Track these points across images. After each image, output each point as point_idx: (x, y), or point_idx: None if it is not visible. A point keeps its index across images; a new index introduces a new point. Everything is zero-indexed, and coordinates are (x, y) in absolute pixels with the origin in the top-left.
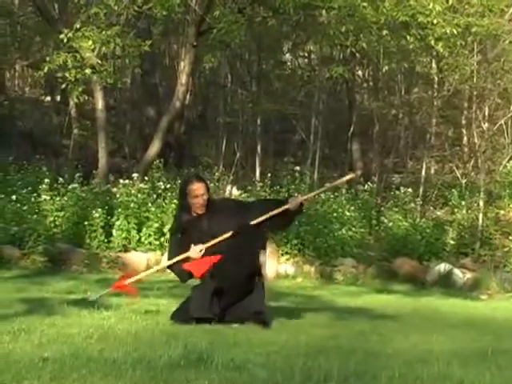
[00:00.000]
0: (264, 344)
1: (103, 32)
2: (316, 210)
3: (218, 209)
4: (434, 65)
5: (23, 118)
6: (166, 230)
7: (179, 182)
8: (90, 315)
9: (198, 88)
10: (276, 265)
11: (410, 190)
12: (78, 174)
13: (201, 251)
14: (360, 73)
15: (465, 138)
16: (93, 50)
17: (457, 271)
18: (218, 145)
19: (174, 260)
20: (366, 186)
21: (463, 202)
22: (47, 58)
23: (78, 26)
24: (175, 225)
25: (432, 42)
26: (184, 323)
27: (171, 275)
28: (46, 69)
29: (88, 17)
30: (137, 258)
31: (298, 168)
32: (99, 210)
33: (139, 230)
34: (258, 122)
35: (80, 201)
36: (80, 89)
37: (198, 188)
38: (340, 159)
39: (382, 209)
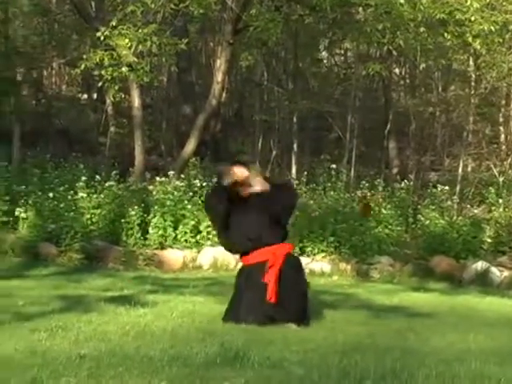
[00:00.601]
0: (300, 342)
1: (140, 30)
2: (352, 208)
3: None
4: (471, 62)
5: (60, 115)
6: (202, 227)
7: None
8: (127, 312)
9: (234, 86)
10: None
11: (446, 187)
12: (114, 172)
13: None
14: (397, 70)
15: (502, 136)
16: (129, 48)
17: (494, 269)
18: (253, 142)
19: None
20: (403, 184)
21: (500, 200)
22: (84, 56)
23: (115, 24)
24: None
25: (469, 40)
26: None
27: (207, 273)
28: (82, 67)
29: (125, 15)
30: (173, 256)
31: (334, 166)
32: (135, 207)
33: (175, 228)
34: (294, 119)
35: (116, 198)
36: (116, 87)
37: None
38: (376, 157)
39: (419, 207)
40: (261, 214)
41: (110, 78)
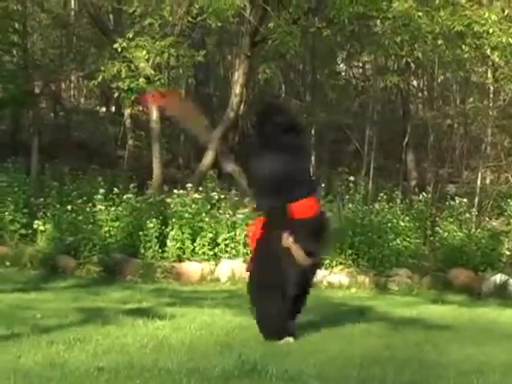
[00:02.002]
0: (318, 354)
1: (157, 42)
2: (370, 221)
3: None
4: (489, 74)
5: (79, 128)
6: (219, 240)
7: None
8: (145, 325)
9: (252, 98)
10: None
11: (465, 200)
12: (132, 185)
13: None
14: (415, 82)
15: None
16: (147, 60)
17: None
18: None
19: None
20: (421, 196)
21: None
22: (102, 68)
23: (132, 36)
24: None
25: (488, 52)
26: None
27: (225, 286)
28: (100, 78)
29: (142, 27)
30: (191, 268)
31: (352, 178)
32: (153, 220)
33: (193, 240)
34: (312, 132)
35: (134, 211)
36: (133, 97)
37: None
38: (395, 169)
39: (437, 219)
40: None
41: (126, 88)
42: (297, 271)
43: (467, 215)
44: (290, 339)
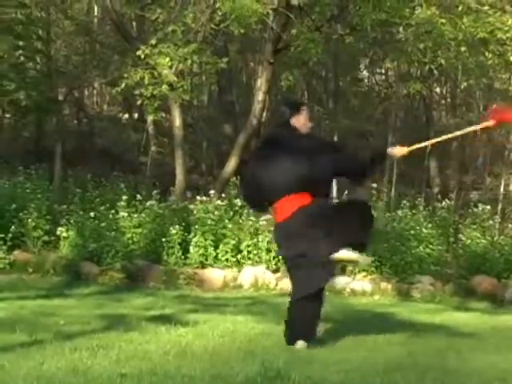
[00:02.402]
0: (341, 362)
1: (180, 49)
2: (393, 228)
3: None
4: None
5: (102, 135)
6: (242, 247)
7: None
8: (168, 332)
9: (275, 105)
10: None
11: (488, 207)
12: (155, 191)
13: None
14: (438, 89)
15: None
16: (170, 67)
17: None
18: None
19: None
20: (444, 203)
21: None
22: (125, 75)
23: (155, 43)
24: None
25: (511, 58)
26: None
27: (247, 293)
28: (123, 85)
29: (165, 34)
30: (214, 275)
31: (374, 185)
32: (176, 226)
33: (216, 247)
34: (335, 138)
35: (157, 217)
36: (156, 104)
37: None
38: (418, 176)
39: (460, 226)
40: None
41: (149, 95)
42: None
43: (490, 222)
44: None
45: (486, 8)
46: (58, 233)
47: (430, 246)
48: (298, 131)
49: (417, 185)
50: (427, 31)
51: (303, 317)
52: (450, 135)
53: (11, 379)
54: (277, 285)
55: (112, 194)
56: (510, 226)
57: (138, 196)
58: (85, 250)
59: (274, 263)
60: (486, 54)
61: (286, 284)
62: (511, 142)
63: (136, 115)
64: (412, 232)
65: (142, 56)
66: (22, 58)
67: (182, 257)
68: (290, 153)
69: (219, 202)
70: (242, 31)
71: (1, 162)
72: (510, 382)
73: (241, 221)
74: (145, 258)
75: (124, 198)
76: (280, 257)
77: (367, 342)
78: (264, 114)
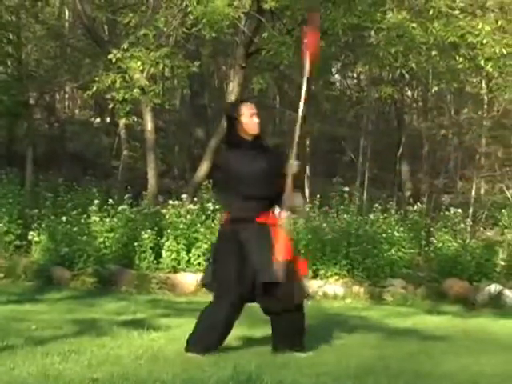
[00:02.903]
0: (313, 365)
1: (152, 53)
2: (365, 231)
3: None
4: (483, 85)
5: (73, 139)
6: None
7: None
8: (140, 336)
9: None
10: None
11: (459, 210)
12: (127, 196)
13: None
14: (409, 93)
15: None
16: (142, 71)
17: (507, 292)
18: None
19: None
20: (416, 207)
21: None
22: (96, 79)
23: (126, 47)
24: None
25: (481, 63)
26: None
27: None
28: (94, 89)
29: (137, 38)
30: (186, 279)
31: (346, 189)
32: (148, 231)
33: (188, 251)
34: (307, 142)
35: (129, 222)
36: (127, 108)
37: (252, 107)
38: (389, 180)
39: (432, 229)
40: None
41: (121, 99)
42: None
43: (462, 225)
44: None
45: (457, 12)
46: (30, 237)
47: (402, 250)
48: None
49: (388, 188)
50: (398, 35)
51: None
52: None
53: None
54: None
55: (84, 198)
56: (481, 229)
57: (110, 200)
58: (56, 254)
59: None
60: (457, 57)
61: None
62: (482, 145)
63: (108, 119)
64: (384, 235)
65: (114, 60)
66: None
67: (155, 261)
68: None
69: (191, 206)
70: (213, 35)
71: None
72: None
73: (213, 225)
74: (117, 262)
75: (96, 202)
76: None
77: (339, 345)
78: None
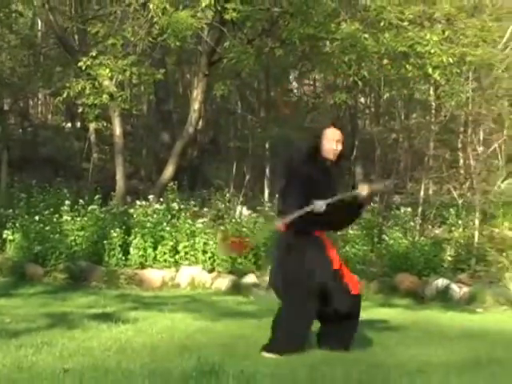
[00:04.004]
0: (271, 356)
1: (120, 61)
2: None
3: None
4: (431, 92)
5: (46, 143)
6: (180, 248)
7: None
8: (109, 329)
9: (210, 114)
10: None
11: (409, 209)
12: (97, 196)
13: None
14: (362, 100)
15: (461, 161)
16: (110, 78)
17: (454, 286)
18: (228, 168)
19: (295, 215)
20: (369, 206)
21: (460, 221)
22: (67, 85)
23: (95, 55)
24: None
25: (429, 71)
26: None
27: (184, 291)
28: (65, 95)
29: (106, 47)
30: (153, 275)
31: None
32: (117, 229)
33: (155, 248)
34: (267, 146)
35: (99, 221)
36: (96, 112)
37: (338, 134)
38: (343, 181)
39: (384, 227)
40: None
41: (90, 104)
42: None
43: (411, 224)
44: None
45: (406, 24)
46: (4, 236)
47: (356, 247)
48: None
49: (344, 189)
50: (351, 45)
51: None
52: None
53: None
54: (212, 284)
55: (56, 198)
56: (429, 227)
57: (81, 201)
58: (30, 252)
59: (209, 263)
60: (407, 66)
61: (221, 283)
62: (430, 149)
63: (78, 124)
64: (339, 233)
65: (84, 67)
66: None
67: (123, 258)
68: None
69: (158, 206)
70: (178, 44)
71: None
72: (430, 373)
73: (178, 223)
74: (87, 259)
75: (67, 202)
76: (215, 257)
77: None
78: (200, 123)
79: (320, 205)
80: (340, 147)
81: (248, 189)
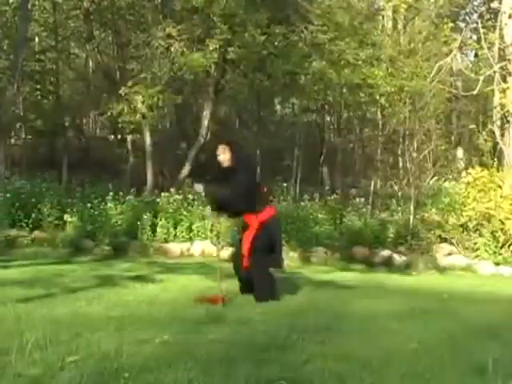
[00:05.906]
0: (263, 306)
1: (149, 89)
2: (298, 214)
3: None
4: (379, 113)
5: (95, 150)
6: (194, 227)
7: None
8: (142, 287)
9: (216, 129)
10: None
11: (362, 199)
12: (132, 189)
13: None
14: (328, 118)
15: (400, 163)
16: (142, 102)
17: (395, 255)
18: None
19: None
20: (333, 197)
21: (399, 208)
22: (110, 107)
23: (131, 84)
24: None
25: (377, 97)
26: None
27: (197, 259)
28: (109, 114)
29: (139, 79)
30: (174, 247)
31: (285, 184)
32: (147, 213)
33: (175, 228)
34: (258, 152)
35: (134, 207)
36: (132, 127)
37: (219, 147)
38: (314, 178)
39: (344, 212)
40: None
41: (127, 121)
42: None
43: (364, 210)
44: None
45: (360, 62)
46: (65, 218)
47: (324, 227)
48: None
49: (314, 184)
50: (320, 78)
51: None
52: None
53: (29, 320)
54: (217, 254)
55: (102, 191)
56: (377, 212)
57: (121, 192)
58: (83, 230)
59: (215, 238)
60: (360, 94)
61: (224, 253)
62: (378, 155)
63: (119, 136)
64: (311, 217)
65: (123, 94)
66: (39, 97)
67: (152, 235)
68: None
69: (177, 196)
70: (192, 77)
71: (24, 170)
72: (379, 318)
73: (192, 209)
74: (126, 235)
75: (111, 193)
76: (219, 234)
77: (280, 291)
78: (208, 135)
79: (197, 186)
80: (221, 157)
81: None
